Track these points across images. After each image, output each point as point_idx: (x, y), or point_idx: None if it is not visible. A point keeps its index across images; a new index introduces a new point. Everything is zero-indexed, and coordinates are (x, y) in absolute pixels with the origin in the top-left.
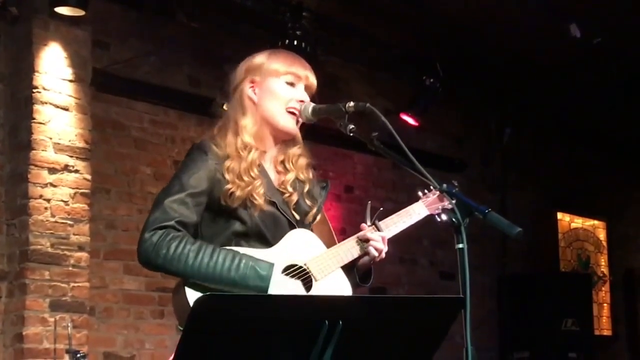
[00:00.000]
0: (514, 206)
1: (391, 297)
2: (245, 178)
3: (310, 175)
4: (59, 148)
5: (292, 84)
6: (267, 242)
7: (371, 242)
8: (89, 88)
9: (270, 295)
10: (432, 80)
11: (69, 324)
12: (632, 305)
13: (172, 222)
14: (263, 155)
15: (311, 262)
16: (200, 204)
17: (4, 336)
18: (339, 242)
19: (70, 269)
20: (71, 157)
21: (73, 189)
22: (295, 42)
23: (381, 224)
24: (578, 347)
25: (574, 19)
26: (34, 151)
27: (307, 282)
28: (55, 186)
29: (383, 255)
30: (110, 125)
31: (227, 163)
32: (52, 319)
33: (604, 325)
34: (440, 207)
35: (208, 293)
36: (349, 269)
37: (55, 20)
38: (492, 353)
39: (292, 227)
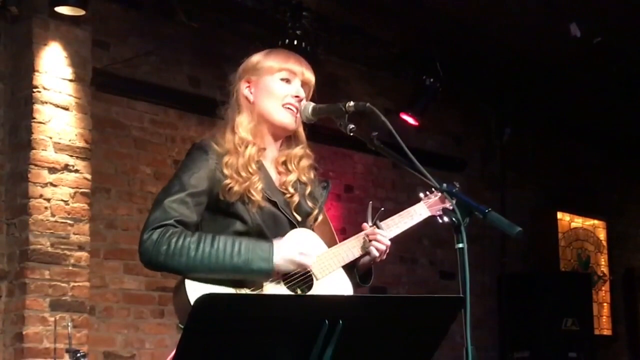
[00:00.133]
0: (513, 206)
1: (391, 297)
2: (243, 173)
3: (312, 177)
4: (59, 148)
5: (287, 80)
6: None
7: (373, 242)
8: (89, 87)
9: (271, 295)
10: (432, 79)
11: (69, 324)
12: (632, 305)
13: (171, 221)
14: (262, 153)
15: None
16: (201, 204)
17: (4, 336)
18: (340, 242)
19: (71, 268)
20: (71, 156)
21: (73, 188)
22: (295, 42)
23: (382, 224)
24: (578, 346)
25: (574, 19)
26: (34, 151)
27: (308, 281)
28: (55, 186)
29: (384, 256)
30: (111, 125)
31: (226, 158)
32: (52, 319)
33: (604, 325)
34: (441, 208)
35: (209, 292)
36: (350, 268)
37: (56, 19)
38: (492, 352)
39: (292, 227)
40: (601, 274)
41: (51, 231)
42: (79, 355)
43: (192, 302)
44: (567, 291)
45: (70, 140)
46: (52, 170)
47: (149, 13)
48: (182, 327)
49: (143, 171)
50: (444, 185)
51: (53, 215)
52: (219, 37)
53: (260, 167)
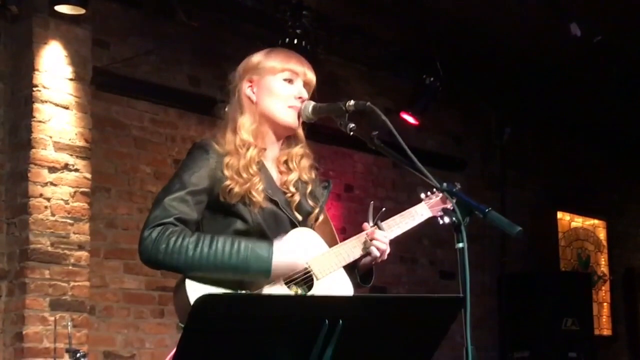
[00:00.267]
0: (514, 205)
1: (391, 297)
2: (244, 175)
3: (313, 176)
4: (59, 147)
5: (290, 81)
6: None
7: (374, 242)
8: (89, 87)
9: (271, 295)
10: (432, 79)
11: (69, 323)
12: (632, 305)
13: (171, 219)
14: (263, 153)
15: (313, 261)
16: (201, 202)
17: (4, 335)
18: (340, 242)
19: (70, 268)
20: (71, 156)
21: (73, 187)
22: (296, 41)
23: (383, 224)
24: (578, 346)
25: (574, 18)
26: (34, 150)
27: (309, 281)
28: (55, 185)
29: (385, 256)
30: (111, 124)
31: (227, 159)
32: (52, 318)
33: (604, 325)
34: (442, 208)
35: (208, 292)
36: (350, 268)
37: (56, 18)
38: (492, 352)
39: (293, 226)
40: (601, 274)
41: (51, 230)
42: (78, 354)
43: (192, 301)
44: (567, 291)
45: (70, 140)
46: (52, 169)
47: (149, 12)
48: (183, 326)
49: (143, 170)
50: (444, 184)
51: (53, 214)
52: (219, 37)
53: (261, 167)
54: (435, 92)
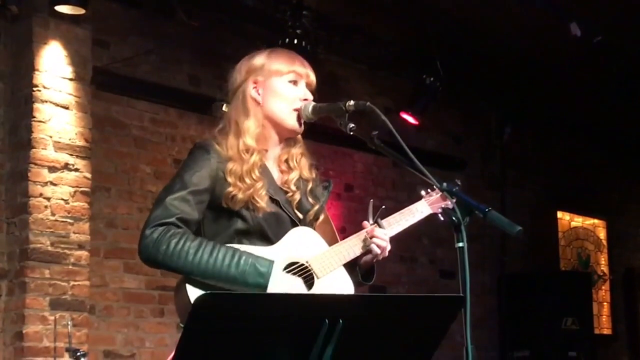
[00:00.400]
0: (514, 205)
1: (391, 296)
2: (247, 180)
3: (314, 175)
4: (59, 146)
5: (294, 82)
6: (269, 240)
7: (374, 240)
8: (89, 86)
9: (271, 294)
10: (432, 78)
11: (69, 323)
12: (632, 304)
13: (172, 219)
14: (265, 154)
15: (313, 260)
16: (202, 202)
17: (4, 334)
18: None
19: (71, 267)
20: (71, 155)
21: (73, 187)
22: (296, 41)
23: (384, 222)
24: (578, 346)
25: (575, 18)
26: (34, 150)
27: (309, 280)
28: (55, 185)
29: (386, 253)
30: (111, 124)
31: (230, 165)
32: (52, 318)
33: (603, 324)
34: (442, 205)
35: (209, 291)
36: (351, 266)
37: (56, 18)
38: (492, 352)
39: (294, 225)
40: (601, 273)
41: (51, 230)
42: (78, 354)
43: (192, 301)
44: (567, 290)
45: (70, 139)
46: (52, 169)
47: (149, 12)
48: (183, 326)
49: (143, 170)
50: (445, 184)
51: (53, 214)
52: (219, 36)
53: (263, 170)
54: (435, 92)
